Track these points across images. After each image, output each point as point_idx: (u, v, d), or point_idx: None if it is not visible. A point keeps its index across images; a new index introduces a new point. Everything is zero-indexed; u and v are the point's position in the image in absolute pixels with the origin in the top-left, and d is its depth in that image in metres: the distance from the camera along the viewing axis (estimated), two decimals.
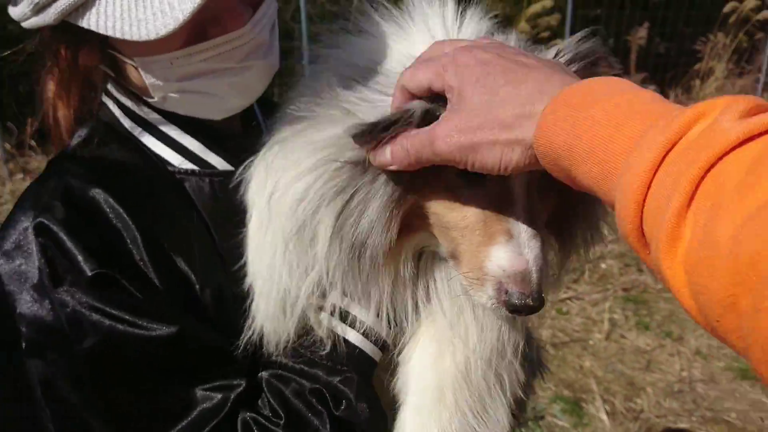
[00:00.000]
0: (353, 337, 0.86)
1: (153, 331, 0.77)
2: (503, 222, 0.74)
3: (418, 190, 0.78)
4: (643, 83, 9.40)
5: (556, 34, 9.79)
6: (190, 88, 0.87)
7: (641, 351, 3.89)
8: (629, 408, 3.37)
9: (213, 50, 0.84)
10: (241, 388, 0.83)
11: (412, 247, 0.83)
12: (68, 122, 0.98)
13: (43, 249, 0.80)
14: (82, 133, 0.97)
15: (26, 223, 0.82)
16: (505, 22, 8.47)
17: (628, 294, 4.57)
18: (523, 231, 0.74)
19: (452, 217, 0.77)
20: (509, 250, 0.73)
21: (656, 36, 12.37)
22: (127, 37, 0.77)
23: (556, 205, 0.83)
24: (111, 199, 0.84)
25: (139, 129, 0.95)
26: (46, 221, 0.81)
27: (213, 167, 0.96)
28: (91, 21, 0.79)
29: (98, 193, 0.85)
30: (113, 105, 0.97)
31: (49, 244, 0.80)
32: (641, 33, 10.04)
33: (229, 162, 0.96)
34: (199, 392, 0.80)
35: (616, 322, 4.19)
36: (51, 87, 0.98)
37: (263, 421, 0.85)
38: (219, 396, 0.81)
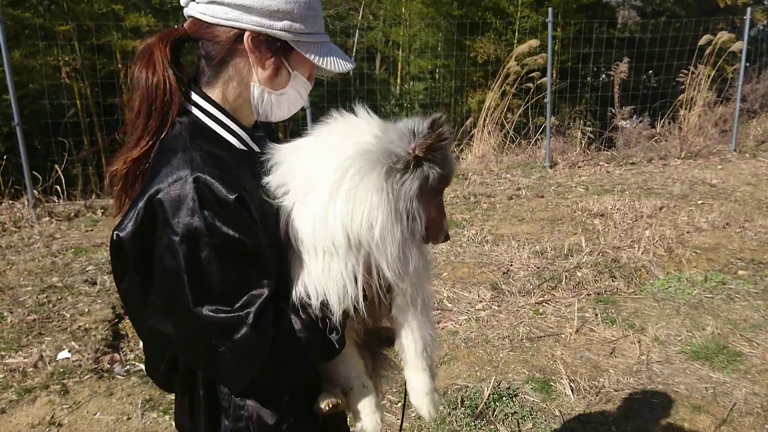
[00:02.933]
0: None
1: (247, 237, 1.27)
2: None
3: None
4: (633, 114, 10.00)
5: (543, 72, 10.51)
6: (280, 101, 1.44)
7: (607, 341, 4.40)
8: (592, 385, 3.87)
9: (305, 88, 1.46)
10: (270, 291, 1.30)
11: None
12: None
13: (197, 188, 1.23)
14: (175, 129, 1.35)
15: (186, 173, 1.24)
16: (497, 62, 9.18)
17: (600, 296, 5.09)
18: None
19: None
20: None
21: (642, 70, 13.07)
22: (329, 68, 1.38)
23: None
24: (226, 158, 1.34)
25: (215, 124, 1.43)
26: (199, 173, 1.24)
27: (253, 149, 1.47)
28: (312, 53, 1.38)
29: (220, 154, 1.32)
30: (197, 111, 1.39)
31: (201, 185, 1.23)
32: (622, 68, 10.72)
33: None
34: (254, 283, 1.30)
35: (586, 319, 4.71)
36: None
37: (291, 315, 1.35)
38: (265, 289, 1.29)
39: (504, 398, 3.72)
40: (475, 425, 3.49)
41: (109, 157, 9.76)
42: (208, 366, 1.33)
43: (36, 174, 7.86)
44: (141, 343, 3.44)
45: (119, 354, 4.34)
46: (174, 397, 1.55)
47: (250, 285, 1.27)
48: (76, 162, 8.77)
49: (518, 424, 3.53)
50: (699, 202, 7.54)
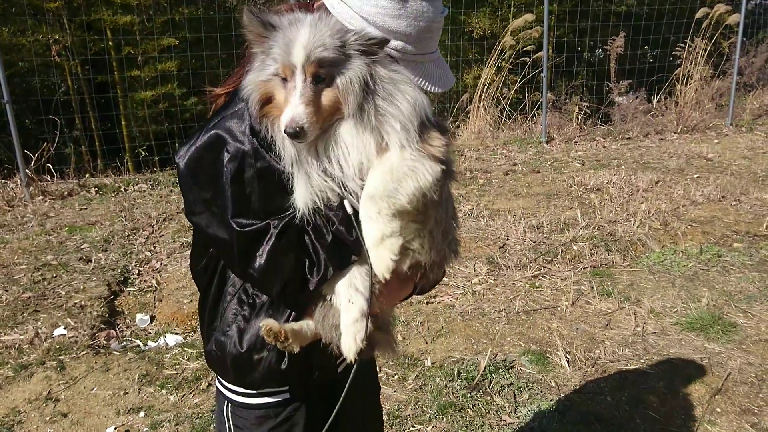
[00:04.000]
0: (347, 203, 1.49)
1: (282, 167, 1.45)
2: (290, 98, 1.41)
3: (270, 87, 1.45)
4: (630, 89, 9.86)
5: (539, 47, 10.40)
6: None
7: (603, 313, 4.41)
8: (588, 357, 3.88)
9: None
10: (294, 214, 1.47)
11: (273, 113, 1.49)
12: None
13: (250, 117, 1.45)
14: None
15: (243, 104, 1.47)
16: (492, 38, 9.05)
17: (596, 270, 5.10)
18: (295, 102, 1.38)
19: (278, 98, 1.44)
20: (287, 111, 1.38)
21: (638, 44, 12.95)
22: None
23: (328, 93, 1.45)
24: None
25: None
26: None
27: None
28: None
29: None
30: None
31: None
32: (618, 42, 10.63)
33: None
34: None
35: (582, 292, 4.72)
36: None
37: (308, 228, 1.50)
38: (291, 212, 1.47)
39: (500, 370, 3.74)
40: (471, 396, 3.50)
41: (101, 134, 9.68)
42: (246, 269, 1.49)
43: (28, 153, 7.79)
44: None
45: (115, 330, 4.33)
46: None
47: (282, 208, 1.47)
48: (68, 141, 8.67)
49: (514, 395, 3.54)
50: (695, 175, 7.53)
